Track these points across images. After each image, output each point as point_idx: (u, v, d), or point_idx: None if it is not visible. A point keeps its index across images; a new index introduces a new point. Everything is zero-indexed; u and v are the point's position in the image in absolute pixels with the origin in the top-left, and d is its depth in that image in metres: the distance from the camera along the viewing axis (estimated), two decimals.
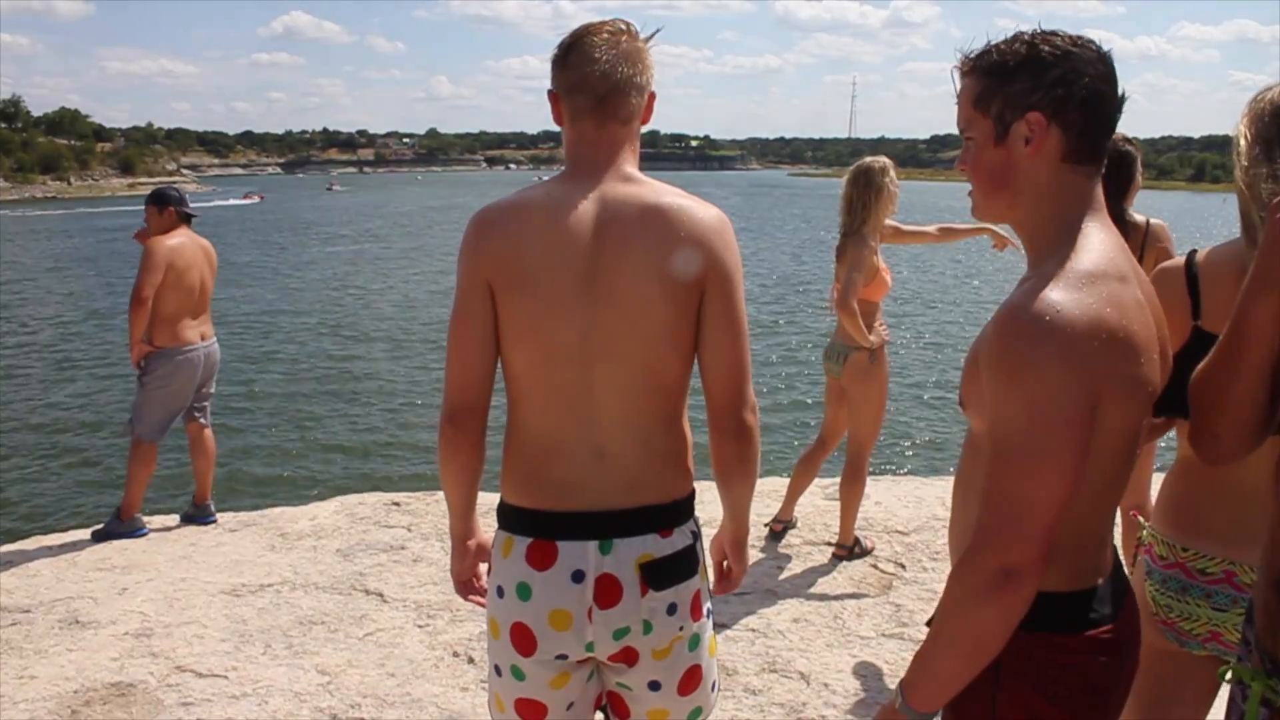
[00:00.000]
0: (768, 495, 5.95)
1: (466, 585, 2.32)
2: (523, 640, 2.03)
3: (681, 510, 2.07)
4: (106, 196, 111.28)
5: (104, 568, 5.09)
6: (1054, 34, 1.58)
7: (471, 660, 4.05)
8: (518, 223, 2.00)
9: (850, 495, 4.98)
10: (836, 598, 4.59)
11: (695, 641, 2.10)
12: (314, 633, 4.30)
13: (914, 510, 5.73)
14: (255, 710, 3.70)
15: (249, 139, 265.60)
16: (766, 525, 5.33)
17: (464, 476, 2.14)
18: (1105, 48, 1.59)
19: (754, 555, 5.10)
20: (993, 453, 1.49)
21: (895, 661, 4.01)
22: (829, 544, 5.22)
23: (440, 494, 6.19)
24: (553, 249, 1.96)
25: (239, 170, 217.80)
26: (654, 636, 2.03)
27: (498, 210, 2.05)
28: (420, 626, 4.36)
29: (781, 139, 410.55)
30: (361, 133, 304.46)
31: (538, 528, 2.02)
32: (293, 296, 32.52)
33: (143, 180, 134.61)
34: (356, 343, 24.29)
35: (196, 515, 5.85)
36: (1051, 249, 1.57)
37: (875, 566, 4.96)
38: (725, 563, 2.30)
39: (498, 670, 2.13)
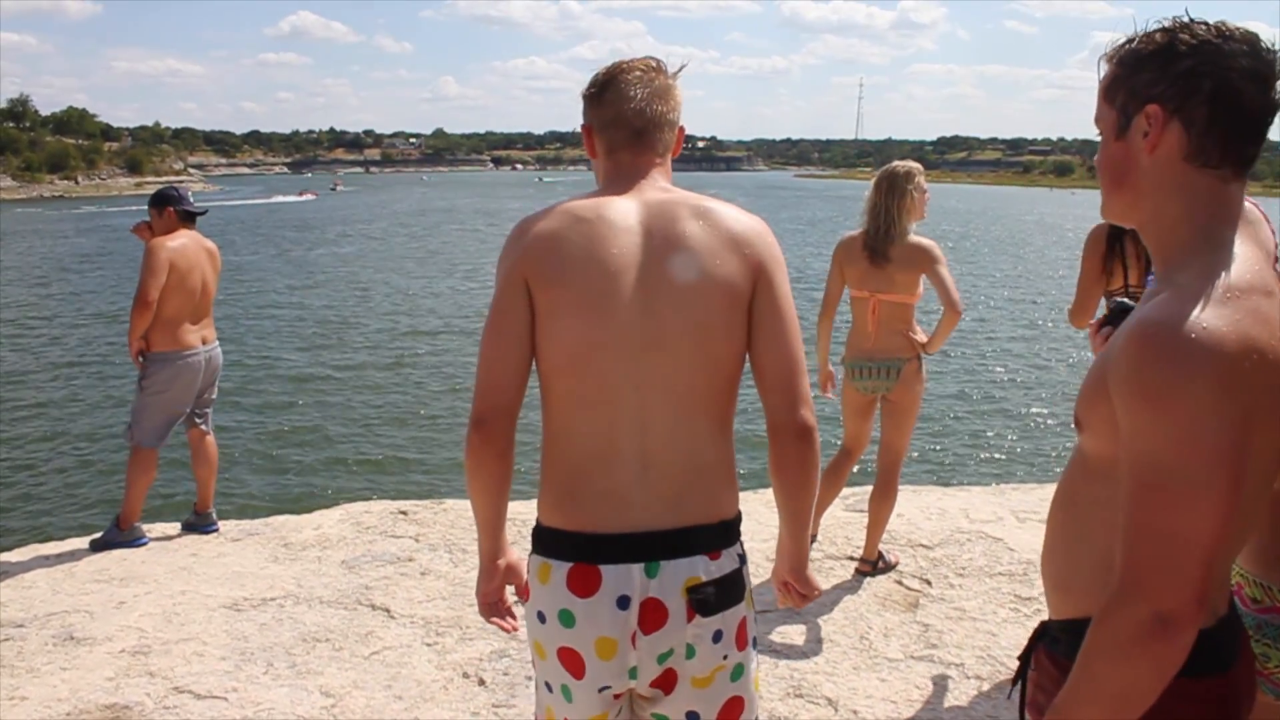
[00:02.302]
0: None
1: (492, 608, 2.21)
2: (572, 663, 1.96)
3: (730, 531, 2.01)
4: (114, 196, 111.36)
5: (102, 579, 4.92)
6: (1199, 23, 1.43)
7: (482, 682, 3.87)
8: (557, 222, 1.99)
9: (881, 510, 4.80)
10: (861, 616, 4.41)
11: (739, 672, 2.02)
12: (318, 651, 4.13)
13: (937, 523, 5.55)
14: None
15: (256, 139, 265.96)
16: None
17: (493, 485, 2.03)
18: (1268, 43, 1.42)
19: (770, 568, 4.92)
20: (1135, 485, 1.33)
21: (925, 686, 3.83)
22: (851, 558, 5.04)
23: (449, 503, 6.05)
24: (596, 241, 1.95)
25: (246, 170, 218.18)
26: (696, 663, 1.95)
27: (537, 214, 2.04)
28: (429, 645, 4.18)
29: (788, 140, 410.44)
30: (368, 133, 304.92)
31: (579, 551, 1.94)
32: (298, 298, 32.34)
33: (150, 180, 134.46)
34: (362, 347, 24.03)
35: (198, 524, 5.68)
36: (1184, 259, 1.41)
37: (900, 583, 4.77)
38: (788, 585, 2.18)
39: (548, 687, 2.06)
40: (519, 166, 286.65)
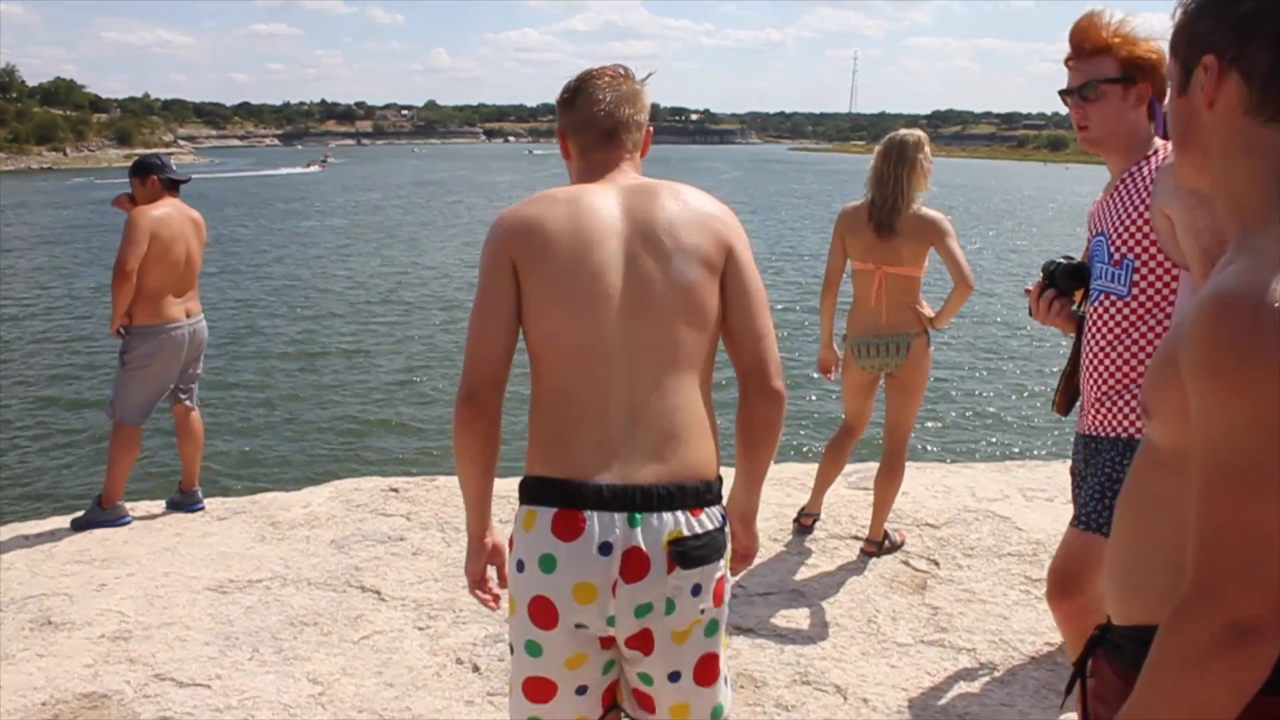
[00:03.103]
0: (788, 483, 5.64)
1: (480, 584, 2.30)
2: (542, 613, 2.01)
3: (712, 491, 2.07)
4: (103, 168, 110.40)
5: (82, 560, 4.76)
6: None
7: (476, 669, 3.72)
8: (537, 207, 2.11)
9: (887, 489, 4.65)
10: (869, 599, 4.27)
11: (713, 628, 2.10)
12: (305, 635, 3.98)
13: (943, 501, 5.40)
14: None
15: (246, 110, 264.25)
16: (795, 520, 5.00)
17: (481, 460, 2.11)
18: None
19: (776, 549, 4.79)
20: (1208, 477, 1.17)
21: (937, 673, 3.69)
22: (856, 538, 4.89)
23: (441, 480, 5.89)
24: (577, 218, 2.07)
25: (237, 141, 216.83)
26: (675, 617, 2.01)
27: (516, 205, 2.16)
28: (421, 629, 4.03)
29: (782, 113, 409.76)
30: (360, 104, 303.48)
31: (564, 498, 1.99)
32: (287, 271, 32.05)
33: (139, 151, 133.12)
34: (353, 321, 23.71)
35: (183, 502, 5.52)
36: (1261, 222, 1.25)
37: (907, 563, 4.63)
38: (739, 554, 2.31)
39: (512, 649, 2.13)
40: (511, 139, 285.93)
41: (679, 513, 1.98)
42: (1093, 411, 2.82)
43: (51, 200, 62.17)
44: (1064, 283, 2.93)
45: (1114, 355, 2.73)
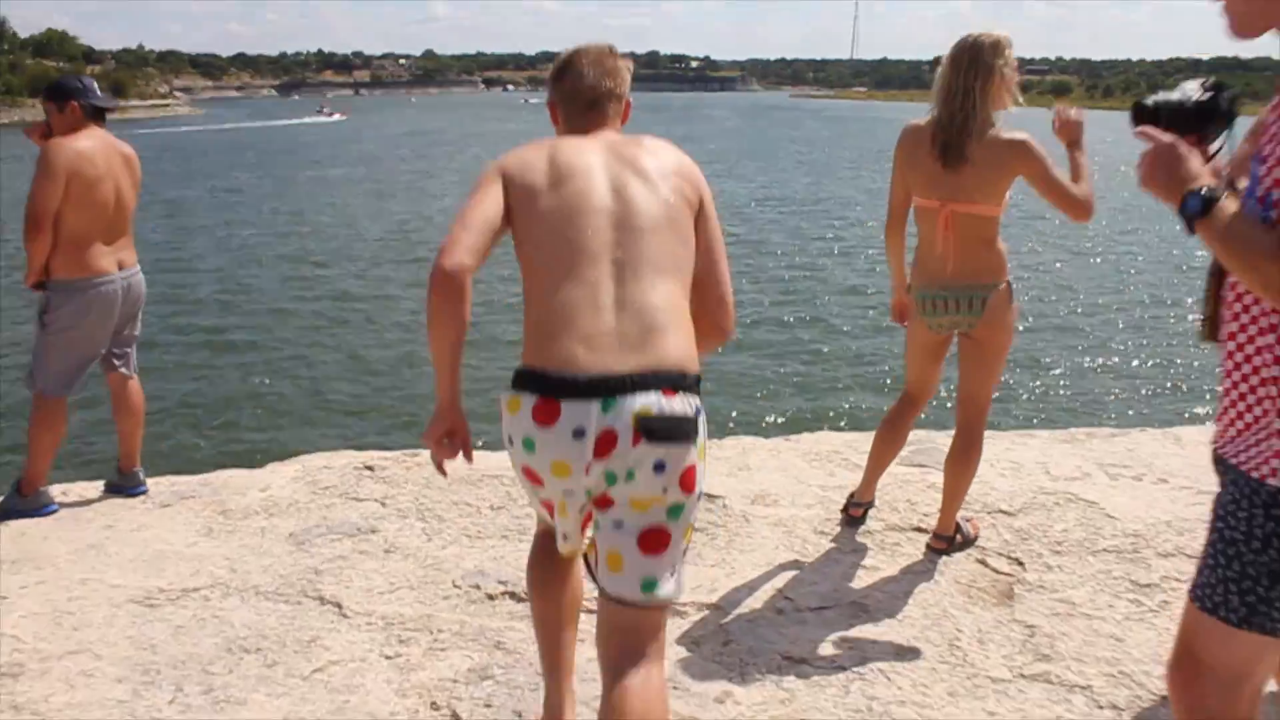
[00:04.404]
0: (828, 458, 4.85)
1: (437, 445, 2.34)
2: (531, 477, 2.22)
3: (688, 380, 2.16)
4: None
5: None
6: None
7: (455, 716, 2.91)
8: (527, 148, 2.36)
9: (961, 475, 3.81)
10: (946, 613, 3.45)
11: (676, 511, 2.19)
12: (244, 667, 3.17)
13: (1014, 481, 4.58)
14: None
15: (243, 61, 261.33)
16: (843, 510, 4.18)
17: (453, 335, 2.21)
18: None
19: (824, 546, 3.97)
20: None
21: None
22: (919, 530, 4.08)
23: (424, 455, 5.06)
24: (567, 154, 2.32)
25: (234, 93, 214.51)
26: (634, 486, 2.13)
27: (508, 152, 2.38)
28: (389, 658, 3.22)
29: (783, 60, 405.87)
30: (358, 54, 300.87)
31: (546, 388, 2.12)
32: (247, 225, 30.86)
33: (134, 103, 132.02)
34: (326, 278, 22.41)
35: (122, 485, 4.70)
36: None
37: (984, 563, 3.82)
38: None
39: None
40: (510, 88, 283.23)
41: (652, 392, 2.09)
42: (1226, 413, 1.89)
43: None
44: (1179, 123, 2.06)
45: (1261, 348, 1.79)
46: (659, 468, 2.10)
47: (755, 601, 3.52)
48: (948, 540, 3.88)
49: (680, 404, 2.12)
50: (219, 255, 24.96)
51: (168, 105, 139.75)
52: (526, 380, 2.17)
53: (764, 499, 4.40)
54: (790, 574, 3.72)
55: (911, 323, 3.88)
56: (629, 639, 2.20)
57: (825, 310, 19.70)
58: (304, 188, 41.80)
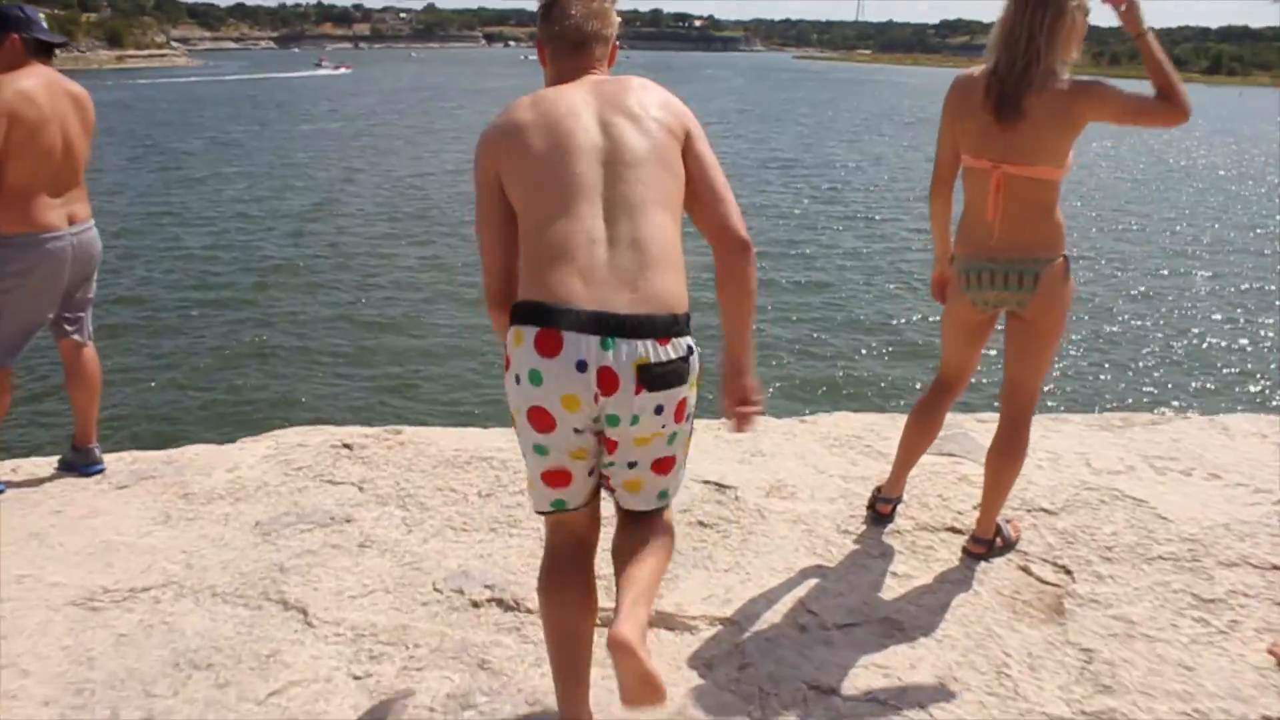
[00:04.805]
0: (848, 443, 4.44)
1: None
2: (542, 420, 2.24)
3: (679, 323, 2.24)
4: (93, 70, 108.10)
5: None
6: None
7: None
8: (511, 113, 2.39)
9: (1005, 473, 3.39)
10: (990, 632, 3.05)
11: (674, 438, 2.33)
12: (192, 688, 2.77)
13: (1053, 474, 4.18)
14: None
15: (241, 12, 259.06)
16: (869, 506, 3.78)
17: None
18: None
19: (848, 547, 3.57)
20: None
21: None
22: (953, 530, 3.68)
23: (408, 432, 4.62)
24: (553, 101, 2.38)
25: (231, 44, 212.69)
26: (638, 428, 2.25)
27: (495, 118, 2.45)
28: (357, 678, 2.82)
29: (787, 20, 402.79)
30: (358, 7, 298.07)
31: (546, 319, 2.18)
32: (242, 178, 30.25)
33: (131, 53, 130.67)
34: (305, 235, 21.68)
35: (77, 463, 4.29)
36: None
37: (1028, 570, 3.42)
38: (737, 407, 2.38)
39: (524, 450, 2.36)
40: (511, 43, 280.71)
41: (647, 341, 2.17)
42: None
43: None
44: None
45: None
46: (659, 410, 2.23)
47: (774, 615, 3.12)
48: (986, 544, 3.48)
49: (674, 349, 2.21)
50: (213, 208, 24.44)
51: (164, 55, 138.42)
52: (526, 313, 2.22)
53: (780, 490, 3.99)
54: (812, 582, 3.31)
55: (952, 298, 3.46)
56: (642, 527, 2.42)
57: (837, 277, 19.26)
58: (311, 140, 41.16)
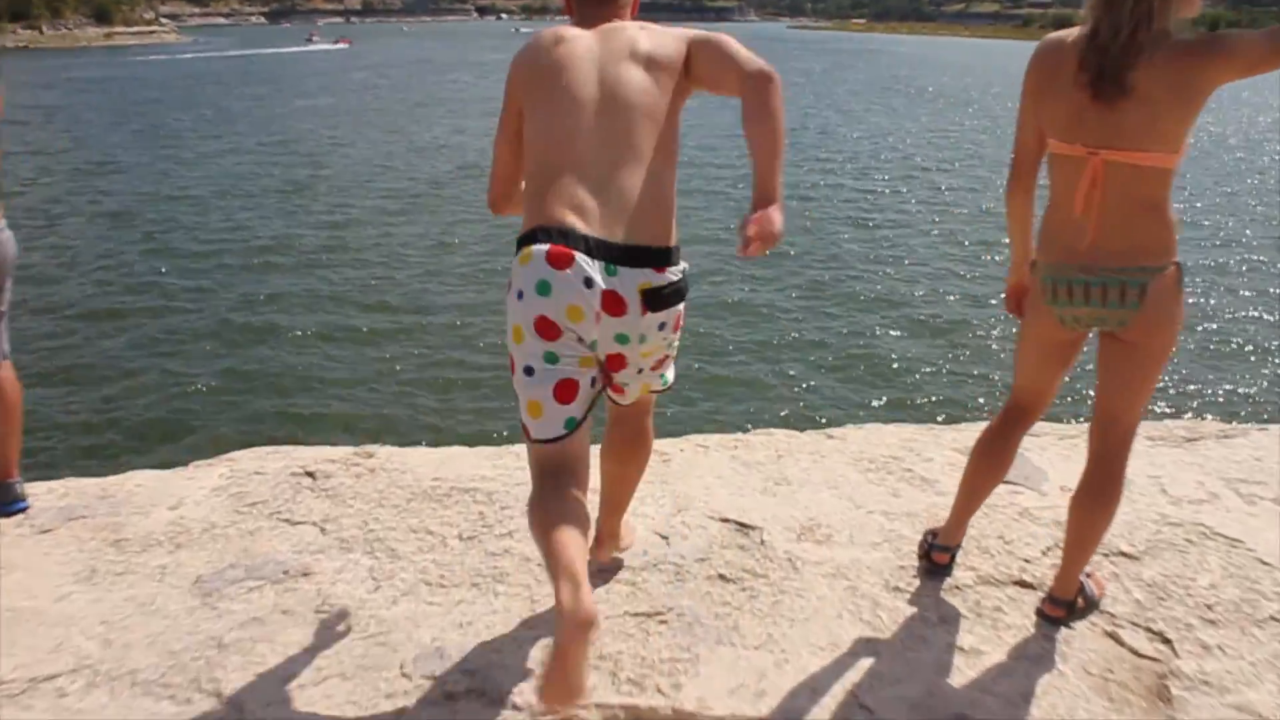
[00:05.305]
0: (885, 467, 3.87)
1: None
2: (548, 329, 2.37)
3: (671, 255, 2.46)
4: (81, 47, 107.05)
5: None
6: None
7: None
8: (534, 45, 2.61)
9: (1095, 522, 2.81)
10: None
11: (671, 344, 2.61)
12: None
13: (1126, 505, 3.52)
14: None
15: None
16: (922, 556, 3.20)
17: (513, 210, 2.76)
18: None
19: (900, 609, 2.98)
20: None
21: None
22: (1022, 584, 3.09)
23: (383, 453, 4.04)
24: (564, 44, 2.55)
25: (221, 20, 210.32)
26: (646, 345, 2.50)
27: (526, 44, 2.66)
28: None
29: None
30: None
31: (559, 236, 2.34)
32: (229, 154, 29.50)
33: (119, 30, 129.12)
34: (309, 213, 20.93)
35: None
36: None
37: (1117, 639, 2.84)
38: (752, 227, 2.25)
39: (529, 371, 2.43)
40: (504, 16, 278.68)
41: (647, 269, 2.39)
42: None
43: (27, 80, 58.99)
44: None
45: None
46: (661, 326, 2.47)
47: (821, 712, 2.53)
48: (1067, 606, 2.90)
49: (670, 274, 2.44)
50: (202, 186, 23.77)
51: (153, 32, 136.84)
52: (536, 235, 2.37)
53: (814, 532, 3.40)
54: (864, 663, 2.72)
55: (1031, 311, 2.86)
56: (633, 409, 2.80)
57: (861, 260, 18.53)
58: (308, 117, 40.39)
